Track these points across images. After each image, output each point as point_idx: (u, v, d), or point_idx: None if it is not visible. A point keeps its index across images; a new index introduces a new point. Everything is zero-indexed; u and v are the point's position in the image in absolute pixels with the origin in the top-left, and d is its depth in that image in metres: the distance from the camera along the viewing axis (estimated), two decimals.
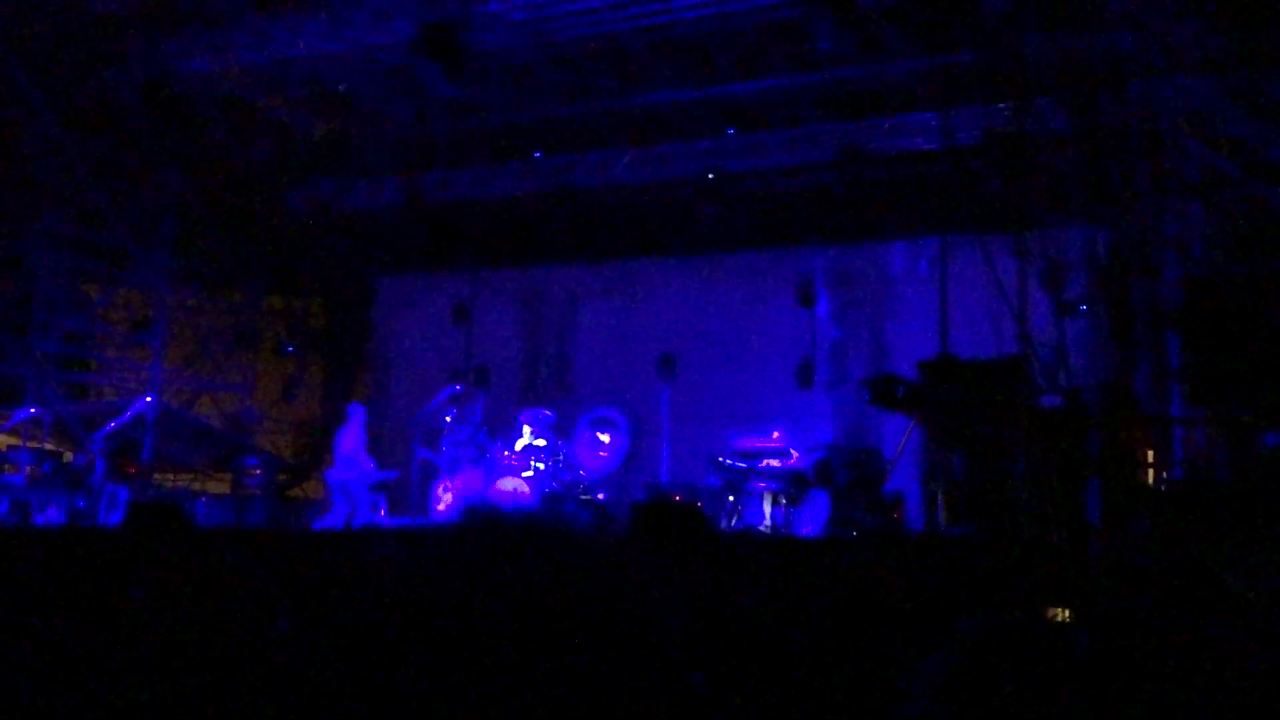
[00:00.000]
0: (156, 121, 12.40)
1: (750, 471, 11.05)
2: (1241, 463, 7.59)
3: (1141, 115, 8.91)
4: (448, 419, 12.62)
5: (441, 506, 12.13)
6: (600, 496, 12.33)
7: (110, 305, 14.78)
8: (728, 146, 12.71)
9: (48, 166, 13.01)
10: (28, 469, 11.99)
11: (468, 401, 12.95)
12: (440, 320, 14.75)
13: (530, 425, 12.26)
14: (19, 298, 13.27)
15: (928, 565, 5.29)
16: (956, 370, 8.93)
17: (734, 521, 10.91)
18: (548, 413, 12.51)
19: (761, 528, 10.77)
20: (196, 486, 14.84)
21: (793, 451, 11.25)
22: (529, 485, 11.76)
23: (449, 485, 12.20)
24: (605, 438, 13.83)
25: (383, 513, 12.17)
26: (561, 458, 12.19)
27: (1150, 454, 8.02)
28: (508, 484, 11.76)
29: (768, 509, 10.88)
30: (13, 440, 12.64)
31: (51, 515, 11.64)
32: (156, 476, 14.07)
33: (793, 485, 10.81)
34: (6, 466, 12.15)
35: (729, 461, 11.18)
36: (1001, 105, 10.57)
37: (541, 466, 11.98)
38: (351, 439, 12.08)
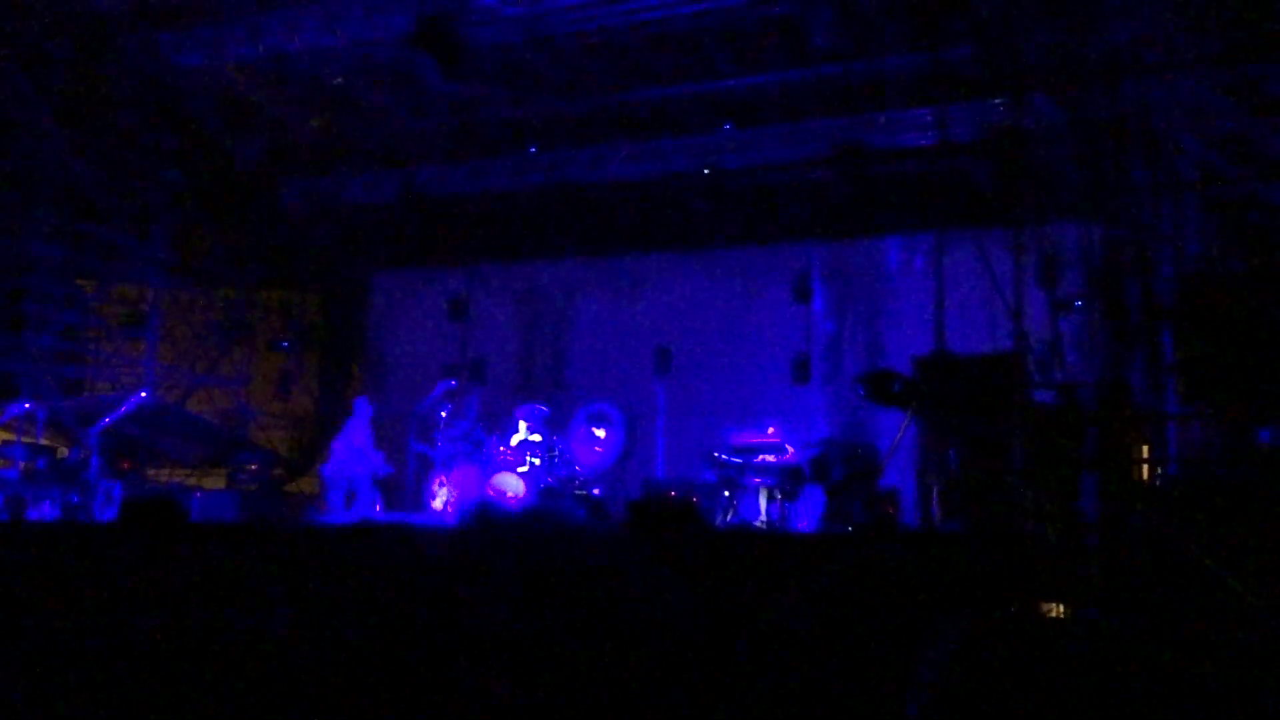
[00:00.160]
0: (151, 116, 12.39)
1: (746, 467, 11.04)
2: (1237, 458, 7.62)
3: (1137, 111, 8.91)
4: (443, 414, 12.59)
5: (436, 502, 12.12)
6: (596, 492, 12.30)
7: (105, 300, 14.75)
8: (723, 142, 12.68)
9: (42, 161, 12.98)
10: (22, 464, 11.97)
11: (463, 396, 12.94)
12: (436, 315, 14.74)
13: (526, 420, 12.24)
14: (13, 292, 13.24)
15: (923, 560, 5.29)
16: (952, 366, 8.94)
17: (729, 517, 10.92)
18: (543, 408, 12.49)
19: (757, 523, 10.77)
20: (192, 482, 14.81)
21: (788, 447, 11.24)
22: (524, 480, 11.76)
23: (444, 480, 12.19)
24: (601, 433, 13.81)
25: (378, 508, 12.18)
26: (557, 453, 12.17)
27: (1145, 449, 8.02)
28: (503, 480, 11.76)
29: (763, 504, 10.89)
30: (7, 435, 12.61)
31: (46, 510, 11.62)
32: (151, 472, 14.06)
33: (788, 480, 10.82)
34: (1, 462, 12.14)
35: (724, 457, 11.18)
36: (997, 101, 10.57)
37: (537, 462, 11.96)
38: (360, 433, 12.21)
